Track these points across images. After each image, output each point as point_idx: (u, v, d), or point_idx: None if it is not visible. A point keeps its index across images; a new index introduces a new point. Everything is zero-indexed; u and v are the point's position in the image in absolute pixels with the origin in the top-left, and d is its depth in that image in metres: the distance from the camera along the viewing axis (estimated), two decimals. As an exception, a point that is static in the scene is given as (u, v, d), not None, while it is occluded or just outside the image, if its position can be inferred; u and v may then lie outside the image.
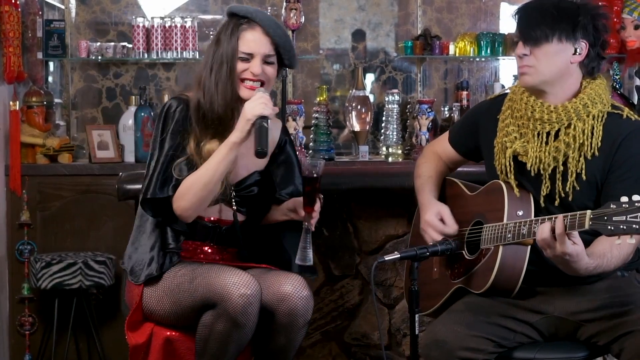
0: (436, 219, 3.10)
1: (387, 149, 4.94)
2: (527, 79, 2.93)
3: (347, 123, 5.08)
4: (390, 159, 4.89)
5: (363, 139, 5.03)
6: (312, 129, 4.97)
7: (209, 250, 3.25)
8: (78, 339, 4.71)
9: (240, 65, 3.12)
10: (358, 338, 4.22)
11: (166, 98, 4.92)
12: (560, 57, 2.90)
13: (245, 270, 3.11)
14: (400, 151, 4.91)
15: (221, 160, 3.04)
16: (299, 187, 3.27)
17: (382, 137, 5.01)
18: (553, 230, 2.67)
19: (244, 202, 3.25)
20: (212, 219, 3.22)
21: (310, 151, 4.91)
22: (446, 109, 5.09)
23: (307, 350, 4.26)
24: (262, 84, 3.14)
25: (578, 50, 2.90)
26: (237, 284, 2.96)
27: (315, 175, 3.04)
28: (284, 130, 3.40)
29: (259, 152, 2.99)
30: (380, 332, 3.30)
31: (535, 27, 2.88)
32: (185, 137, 3.13)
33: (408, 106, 5.10)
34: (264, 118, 3.00)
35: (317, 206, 3.08)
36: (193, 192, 3.04)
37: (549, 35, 2.87)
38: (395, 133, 4.95)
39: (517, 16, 2.96)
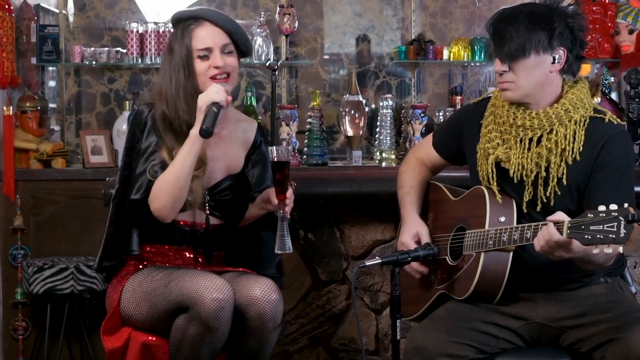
0: (412, 242, 3.09)
1: (380, 154, 4.93)
2: (508, 94, 2.92)
3: (341, 128, 5.08)
4: (383, 164, 4.88)
5: (357, 144, 5.02)
6: (306, 134, 4.97)
7: (186, 255, 3.26)
8: (71, 344, 4.72)
9: (202, 65, 3.16)
10: (345, 343, 4.20)
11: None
12: (539, 69, 2.87)
13: (219, 275, 3.12)
14: (393, 156, 4.90)
15: (186, 154, 3.07)
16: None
17: (376, 142, 5.01)
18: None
19: (218, 206, 3.26)
20: (188, 222, 3.24)
21: (305, 156, 4.91)
22: (440, 113, 5.07)
23: (294, 356, 4.25)
24: (228, 76, 3.18)
25: (557, 59, 2.87)
26: (210, 287, 2.96)
27: (283, 160, 3.05)
28: (260, 130, 3.41)
29: (202, 130, 3.03)
30: (361, 337, 3.30)
31: (510, 42, 2.84)
32: (158, 143, 3.16)
33: (402, 111, 5.10)
34: (215, 104, 3.05)
35: (290, 192, 3.09)
36: (165, 190, 3.08)
37: (525, 50, 2.83)
38: (389, 138, 4.93)
39: (490, 30, 2.92)
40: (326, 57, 5.51)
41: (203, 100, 3.06)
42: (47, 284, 4.45)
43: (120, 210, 3.24)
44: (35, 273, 4.45)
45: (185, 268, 3.17)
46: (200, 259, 3.27)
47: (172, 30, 3.29)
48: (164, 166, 3.12)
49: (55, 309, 4.58)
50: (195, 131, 3.06)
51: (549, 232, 2.63)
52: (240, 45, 3.25)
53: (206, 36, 3.16)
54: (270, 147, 3.09)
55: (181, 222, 3.22)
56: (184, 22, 3.20)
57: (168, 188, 3.08)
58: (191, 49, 3.15)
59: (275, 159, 3.05)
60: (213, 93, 3.06)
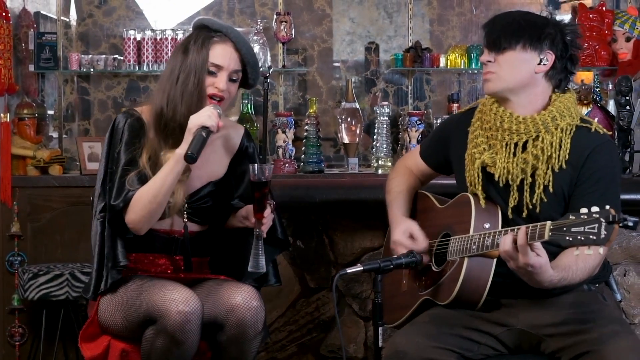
0: (405, 237, 3.09)
1: (377, 161, 4.94)
2: (489, 85, 2.95)
3: (337, 135, 5.09)
4: (380, 171, 4.89)
5: (353, 151, 5.04)
6: (303, 141, 4.98)
7: (163, 262, 3.22)
8: (67, 349, 4.73)
9: (208, 79, 3.10)
10: (334, 350, 4.20)
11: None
12: (525, 66, 2.90)
13: (200, 283, 3.12)
14: (390, 163, 4.91)
15: (168, 173, 3.03)
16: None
17: (373, 150, 5.02)
18: (515, 241, 2.67)
19: (197, 213, 3.23)
20: (166, 230, 3.19)
21: (302, 163, 4.93)
22: (438, 121, 5.08)
23: (282, 363, 4.27)
24: (221, 100, 3.12)
25: (543, 60, 2.90)
26: (176, 300, 2.92)
27: (263, 180, 3.00)
28: (246, 135, 3.34)
29: (187, 156, 2.97)
30: (343, 345, 3.29)
31: (500, 34, 2.90)
32: (137, 150, 3.11)
33: (400, 118, 5.11)
34: (205, 128, 3.00)
35: (267, 212, 3.05)
36: (142, 204, 3.03)
37: (512, 42, 2.89)
38: (385, 145, 4.95)
39: (486, 27, 2.98)
40: (324, 64, 5.52)
41: (194, 123, 3.00)
42: (42, 290, 4.46)
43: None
44: (30, 279, 4.47)
45: (158, 278, 3.12)
46: (182, 266, 3.23)
47: (190, 31, 3.21)
48: (140, 175, 3.07)
49: (51, 315, 4.59)
50: (180, 151, 3.00)
51: (518, 235, 2.65)
52: (250, 79, 3.21)
53: (223, 55, 3.11)
54: (250, 165, 3.04)
55: (159, 230, 3.18)
56: (208, 31, 3.14)
57: (145, 203, 3.03)
58: (206, 60, 3.09)
59: (256, 178, 3.01)
60: (205, 117, 3.00)
